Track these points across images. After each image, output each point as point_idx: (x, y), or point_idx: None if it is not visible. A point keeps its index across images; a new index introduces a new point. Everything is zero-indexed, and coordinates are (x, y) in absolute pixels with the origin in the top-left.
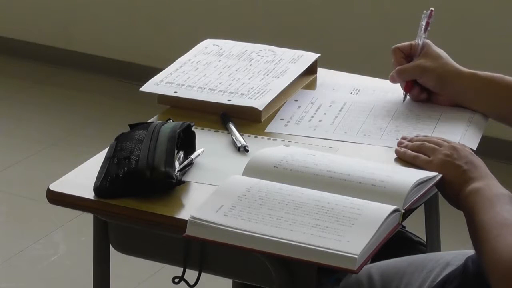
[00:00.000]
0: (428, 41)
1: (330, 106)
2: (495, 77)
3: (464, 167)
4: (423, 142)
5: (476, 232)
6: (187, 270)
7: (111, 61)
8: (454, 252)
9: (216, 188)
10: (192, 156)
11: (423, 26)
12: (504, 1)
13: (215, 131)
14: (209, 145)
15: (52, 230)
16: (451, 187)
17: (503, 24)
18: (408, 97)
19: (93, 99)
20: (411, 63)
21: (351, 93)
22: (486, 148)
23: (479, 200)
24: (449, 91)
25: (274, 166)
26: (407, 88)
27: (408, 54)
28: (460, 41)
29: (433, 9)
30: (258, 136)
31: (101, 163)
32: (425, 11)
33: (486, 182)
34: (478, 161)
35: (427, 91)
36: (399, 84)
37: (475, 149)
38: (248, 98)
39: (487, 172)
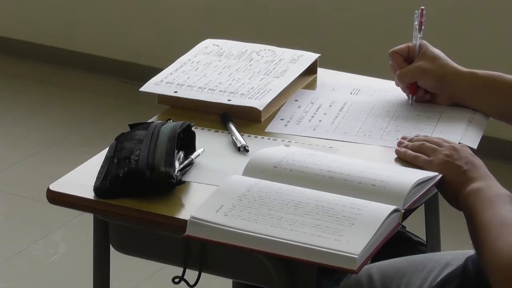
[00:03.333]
0: (424, 42)
1: (330, 106)
2: (494, 75)
3: (464, 167)
4: (423, 142)
5: (476, 232)
6: (187, 270)
7: (111, 61)
8: (454, 252)
9: (216, 188)
10: (192, 156)
11: (417, 26)
12: (505, 1)
13: (215, 131)
14: (209, 145)
15: (52, 230)
16: (451, 187)
17: (502, 23)
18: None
19: (93, 99)
20: (411, 66)
21: (351, 93)
22: (486, 148)
23: (479, 200)
24: (448, 91)
25: (274, 166)
26: (412, 91)
27: (407, 57)
28: (460, 40)
29: (423, 7)
30: (258, 136)
31: (101, 163)
32: (416, 11)
33: (486, 182)
34: (478, 161)
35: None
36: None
37: (475, 148)
38: (248, 98)
39: (487, 173)
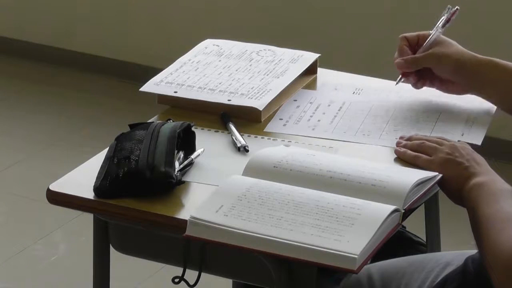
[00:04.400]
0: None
1: (329, 106)
2: (511, 66)
3: (467, 163)
4: (423, 141)
5: (479, 226)
6: (187, 270)
7: (111, 61)
8: (454, 252)
9: (216, 188)
10: (192, 156)
11: (443, 21)
12: (506, 2)
13: (215, 131)
14: (209, 145)
15: (52, 230)
16: (453, 184)
17: (506, 24)
18: (402, 82)
19: (93, 99)
20: (424, 53)
21: (353, 92)
22: (486, 148)
23: (482, 194)
24: (466, 77)
25: (274, 166)
26: (404, 73)
27: (413, 45)
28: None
29: (458, 7)
30: (258, 136)
31: (101, 163)
32: (449, 6)
33: (490, 177)
34: (480, 158)
35: (430, 81)
36: (398, 85)
37: (479, 144)
38: (248, 98)
39: (490, 169)
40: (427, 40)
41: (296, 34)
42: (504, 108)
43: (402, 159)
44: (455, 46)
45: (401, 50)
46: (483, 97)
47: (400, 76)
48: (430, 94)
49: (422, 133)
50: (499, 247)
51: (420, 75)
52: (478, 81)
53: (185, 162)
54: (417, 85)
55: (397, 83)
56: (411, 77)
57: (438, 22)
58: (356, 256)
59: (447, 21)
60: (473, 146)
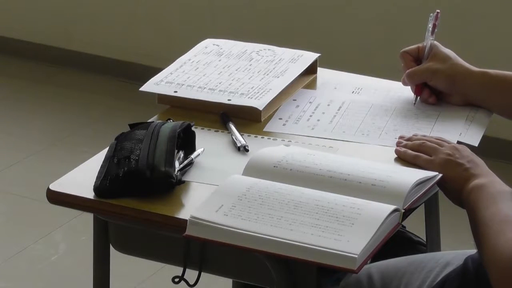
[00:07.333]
0: (435, 42)
1: (328, 105)
2: (507, 75)
3: (467, 165)
4: (424, 141)
5: (478, 228)
6: (187, 270)
7: (111, 61)
8: (454, 252)
9: (216, 188)
10: (192, 156)
11: (430, 29)
12: (505, 2)
13: (215, 131)
14: (209, 145)
15: (52, 230)
16: (453, 185)
17: (504, 24)
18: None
19: (93, 99)
20: (421, 66)
21: (353, 92)
22: (486, 148)
23: (482, 196)
24: (460, 90)
25: (274, 166)
26: (417, 92)
27: (417, 57)
28: (461, 42)
29: (439, 11)
30: (258, 136)
31: (101, 163)
32: (431, 14)
33: (489, 179)
34: (480, 160)
35: (440, 93)
36: (398, 84)
37: (476, 146)
38: (248, 97)
39: (489, 170)
40: (425, 52)
41: (296, 34)
42: (505, 115)
43: (402, 159)
44: (450, 60)
45: (407, 66)
46: (484, 107)
47: (415, 95)
48: None
49: (421, 132)
50: (498, 249)
51: (432, 90)
52: (472, 94)
53: (185, 162)
54: (428, 100)
55: (415, 104)
56: (423, 93)
57: (427, 32)
58: (356, 256)
59: (434, 27)
60: (470, 147)
